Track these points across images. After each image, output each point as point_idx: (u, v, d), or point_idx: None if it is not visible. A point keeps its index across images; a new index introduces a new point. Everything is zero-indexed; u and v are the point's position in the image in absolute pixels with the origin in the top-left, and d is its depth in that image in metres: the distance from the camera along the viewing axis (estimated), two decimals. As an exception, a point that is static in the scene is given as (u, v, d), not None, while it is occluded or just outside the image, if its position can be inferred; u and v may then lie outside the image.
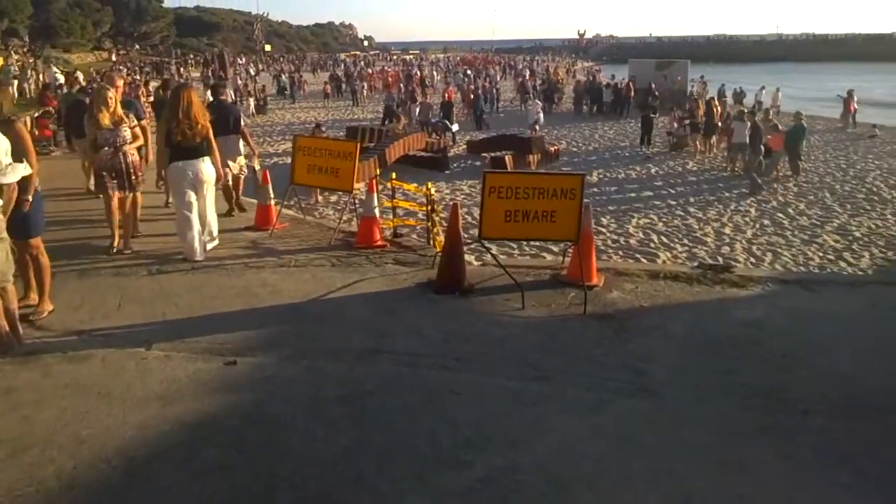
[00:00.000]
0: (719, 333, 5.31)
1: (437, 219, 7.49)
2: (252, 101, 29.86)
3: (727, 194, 14.09)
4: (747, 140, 16.17)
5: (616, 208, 12.60)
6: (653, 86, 28.54)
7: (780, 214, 12.36)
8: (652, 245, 10.06)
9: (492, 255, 5.85)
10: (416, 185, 9.29)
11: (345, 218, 8.70)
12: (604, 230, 10.90)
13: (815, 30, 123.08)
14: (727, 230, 11.17)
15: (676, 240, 10.48)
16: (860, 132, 24.72)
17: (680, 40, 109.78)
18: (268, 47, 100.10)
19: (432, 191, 7.54)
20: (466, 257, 6.89)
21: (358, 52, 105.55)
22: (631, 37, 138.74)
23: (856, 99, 26.32)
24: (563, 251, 6.91)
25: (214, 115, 7.54)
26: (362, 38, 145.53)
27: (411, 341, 4.68)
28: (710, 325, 5.47)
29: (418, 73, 46.00)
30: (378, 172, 15.16)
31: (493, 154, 17.42)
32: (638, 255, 9.34)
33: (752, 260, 9.44)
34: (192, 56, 75.00)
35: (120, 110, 6.64)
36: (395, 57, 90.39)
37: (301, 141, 8.15)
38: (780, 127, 16.29)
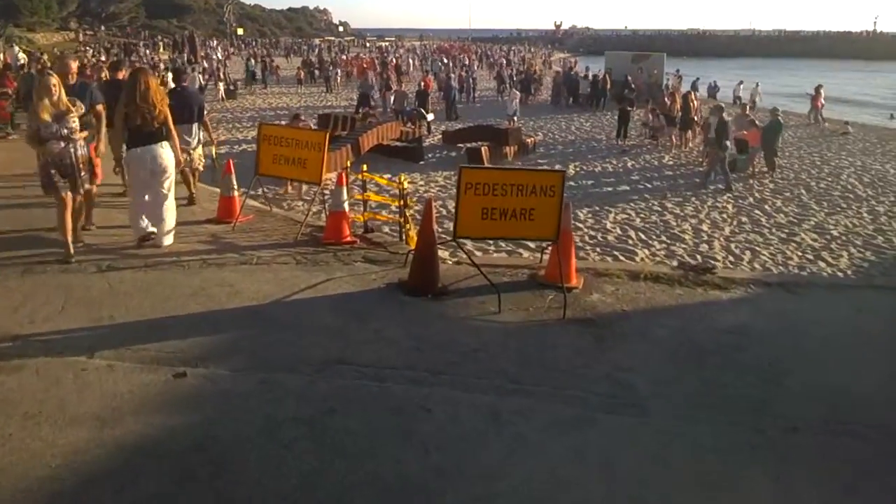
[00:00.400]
0: (704, 340, 5.08)
1: (409, 214, 7.14)
2: (222, 86, 29.08)
3: (704, 190, 13.95)
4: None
5: (593, 203, 12.36)
6: (629, 78, 28.45)
7: (758, 211, 12.24)
8: (630, 242, 9.84)
9: (467, 255, 5.52)
10: (388, 177, 8.89)
11: (313, 211, 8.30)
12: (581, 225, 10.65)
13: (787, 26, 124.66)
14: (705, 227, 11.01)
15: (654, 237, 10.27)
16: (833, 129, 24.92)
17: (654, 34, 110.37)
18: (240, 31, 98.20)
19: (405, 184, 7.18)
20: (440, 254, 6.57)
21: (332, 38, 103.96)
22: (606, 29, 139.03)
23: (823, 95, 26.49)
24: (541, 248, 6.63)
25: (176, 102, 7.10)
26: (337, 23, 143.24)
27: (379, 350, 4.34)
28: (695, 331, 5.24)
29: (394, 60, 45.39)
30: (351, 162, 14.72)
31: (469, 145, 17.06)
32: (616, 253, 9.11)
33: (731, 259, 9.26)
34: (160, 38, 72.97)
35: (65, 98, 6.00)
36: (369, 44, 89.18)
37: (266, 129, 7.73)
38: (757, 122, 16.20)
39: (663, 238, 10.22)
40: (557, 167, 13.96)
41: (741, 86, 29.71)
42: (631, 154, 18.05)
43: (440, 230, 8.75)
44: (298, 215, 8.30)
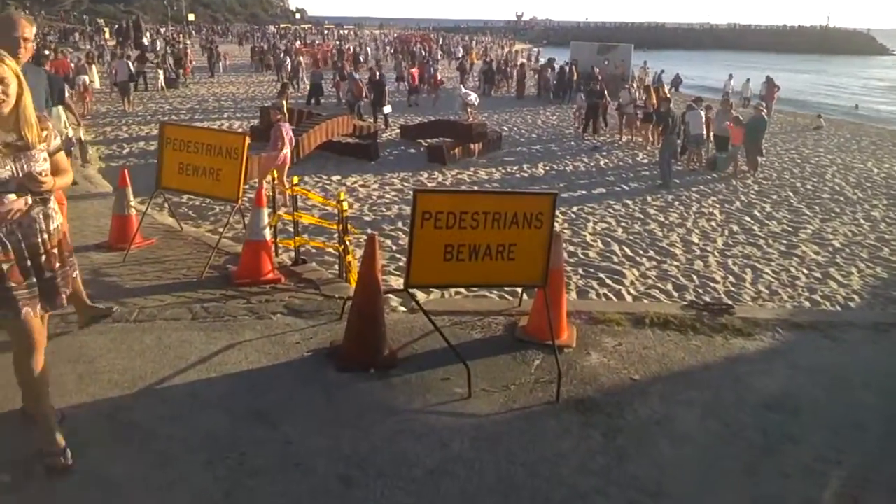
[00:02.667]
0: (745, 426, 3.74)
1: (351, 242, 5.62)
2: (161, 74, 26.85)
3: (686, 193, 12.76)
4: (704, 132, 14.95)
5: (568, 209, 11.01)
6: (596, 70, 27.28)
7: (748, 218, 11.06)
8: (615, 259, 8.49)
9: (424, 313, 4.03)
10: (322, 195, 7.36)
11: (228, 235, 6.70)
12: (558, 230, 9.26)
13: (741, 20, 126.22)
14: (695, 238, 9.75)
15: (641, 251, 8.96)
16: (805, 123, 24.21)
17: (616, 25, 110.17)
18: (191, 17, 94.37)
19: (345, 204, 5.64)
20: (391, 300, 5.08)
21: (289, 25, 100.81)
22: (568, 21, 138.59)
23: (778, 88, 25.80)
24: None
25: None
26: (294, 10, 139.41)
27: (286, 487, 2.84)
28: (729, 411, 3.89)
29: (350, 48, 43.47)
30: (290, 164, 13.09)
31: (430, 141, 15.54)
32: (602, 276, 7.75)
33: (732, 280, 8.00)
34: (103, 23, 69.05)
35: (30, 111, 2.73)
36: (327, 31, 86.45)
37: (170, 131, 6.08)
38: (740, 119, 15.09)
39: (651, 253, 8.91)
40: (545, 188, 12.58)
41: (732, 80, 28.39)
42: (603, 151, 16.79)
43: (393, 267, 7.27)
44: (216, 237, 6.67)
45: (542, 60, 37.04)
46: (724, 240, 9.74)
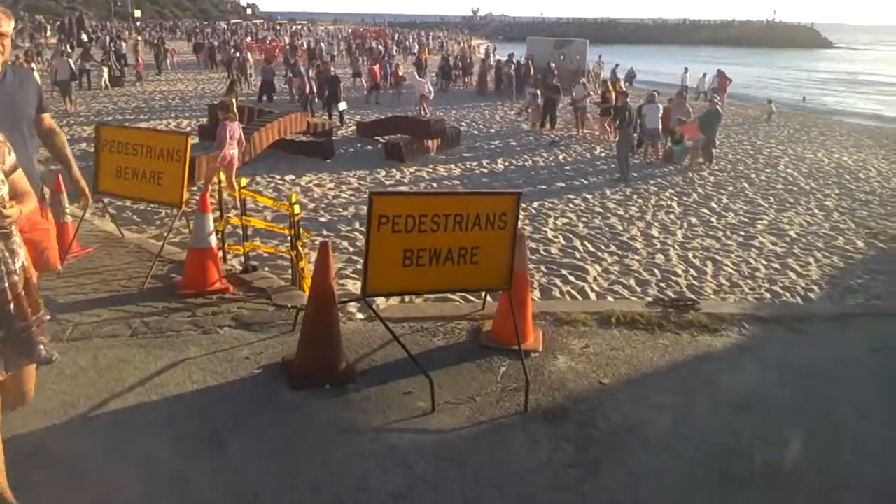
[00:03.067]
0: (718, 429, 3.63)
1: (303, 249, 5.33)
2: (106, 72, 25.79)
3: (644, 186, 12.78)
4: (659, 126, 15.03)
5: (528, 205, 10.87)
6: (552, 65, 27.32)
7: (705, 210, 11.13)
8: (577, 255, 8.38)
9: (383, 322, 3.79)
10: (275, 196, 7.05)
11: (174, 240, 6.34)
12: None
13: (691, 15, 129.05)
14: (655, 231, 9.73)
15: (602, 246, 8.88)
16: (756, 115, 24.70)
17: (570, 20, 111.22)
18: (137, 13, 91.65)
19: (297, 207, 5.35)
20: (349, 307, 4.82)
21: (240, 20, 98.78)
22: (524, 16, 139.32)
23: (730, 81, 26.27)
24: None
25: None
26: (245, 5, 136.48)
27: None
28: (701, 414, 3.78)
29: (304, 44, 42.66)
30: (240, 164, 12.65)
31: (387, 138, 15.23)
32: (564, 272, 7.62)
33: (693, 273, 7.98)
34: (43, 19, 66.32)
35: None
36: (279, 27, 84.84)
37: (106, 132, 5.71)
38: (692, 112, 15.22)
39: (612, 248, 8.83)
40: (505, 185, 12.40)
41: (687, 74, 28.67)
42: (561, 145, 16.76)
43: (350, 270, 6.99)
44: (155, 242, 6.29)
45: (501, 56, 36.99)
46: (683, 232, 9.75)
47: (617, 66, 33.89)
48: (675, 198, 11.92)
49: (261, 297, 4.78)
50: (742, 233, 9.88)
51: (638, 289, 7.28)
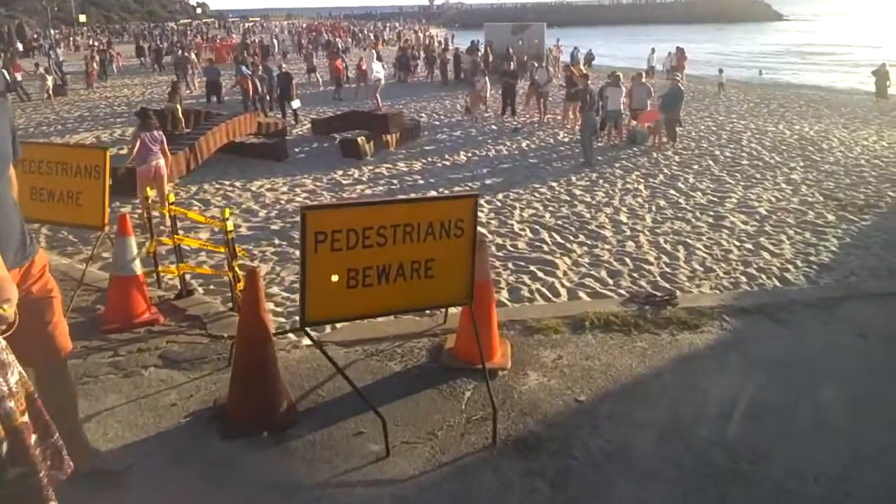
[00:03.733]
0: (708, 444, 3.27)
1: (242, 272, 4.82)
2: (50, 80, 24.60)
3: (609, 169, 12.48)
4: (621, 108, 14.75)
5: (493, 196, 10.48)
6: (511, 50, 26.93)
7: (673, 191, 10.85)
8: (545, 248, 8.00)
9: (325, 355, 3.32)
10: (205, 214, 6.52)
11: (95, 267, 5.76)
12: (484, 230, 8.71)
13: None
14: (623, 217, 9.41)
15: (571, 236, 8.52)
16: (715, 91, 24.65)
17: (525, 6, 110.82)
18: (82, 18, 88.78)
19: (230, 223, 4.82)
20: (291, 335, 4.34)
21: (189, 20, 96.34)
22: (481, 3, 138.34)
23: (686, 57, 26.19)
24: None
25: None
26: (194, 4, 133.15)
27: None
28: (689, 427, 3.42)
29: (256, 41, 41.54)
30: (192, 168, 12.02)
31: (343, 135, 14.66)
32: (533, 269, 7.22)
33: (666, 259, 7.65)
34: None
35: None
36: (231, 25, 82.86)
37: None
38: (653, 91, 14.95)
39: (581, 237, 8.48)
40: (468, 177, 11.93)
41: (654, 54, 28.51)
42: (523, 133, 16.38)
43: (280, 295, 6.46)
44: (94, 270, 5.71)
45: (460, 45, 36.47)
46: (652, 216, 9.44)
47: (576, 49, 33.61)
48: (642, 180, 11.63)
49: (196, 327, 4.28)
50: (711, 213, 9.62)
51: (610, 280, 6.92)
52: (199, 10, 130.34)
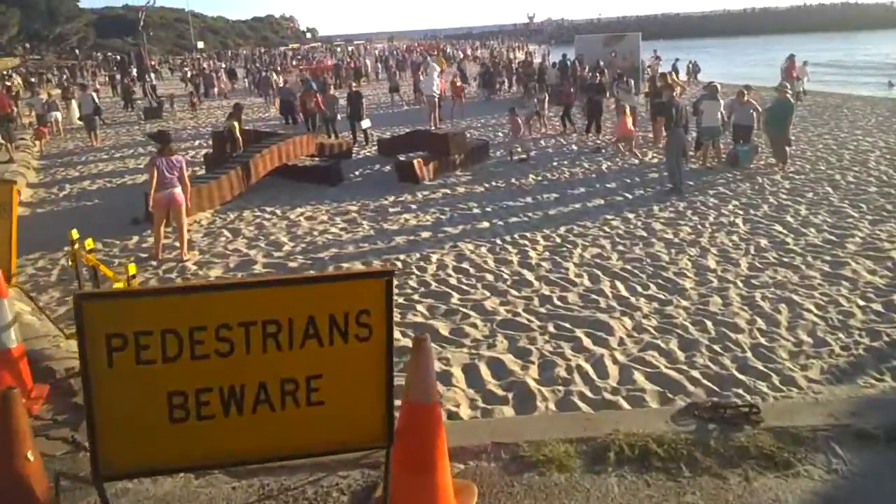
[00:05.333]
0: None
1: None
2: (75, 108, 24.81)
3: (701, 198, 10.59)
4: (720, 124, 12.74)
5: (554, 231, 8.96)
6: (601, 63, 25.13)
7: (779, 227, 8.86)
8: (602, 304, 6.42)
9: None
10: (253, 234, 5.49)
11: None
12: (530, 276, 7.24)
13: (757, 4, 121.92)
14: (711, 261, 7.62)
15: (639, 287, 6.87)
16: (837, 103, 21.70)
17: (627, 19, 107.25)
18: (200, 45, 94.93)
19: (136, 281, 3.68)
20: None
21: (297, 45, 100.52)
22: (581, 19, 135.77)
23: (798, 65, 22.90)
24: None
25: None
26: (304, 30, 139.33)
27: None
28: None
29: (348, 61, 41.91)
30: (238, 192, 11.32)
31: (401, 157, 13.61)
32: (579, 332, 5.69)
33: (761, 324, 5.87)
34: (110, 56, 68.93)
35: None
36: (339, 48, 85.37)
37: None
38: (758, 108, 12.84)
39: (652, 289, 6.81)
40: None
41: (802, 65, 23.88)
42: (605, 153, 14.66)
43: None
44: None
45: (555, 60, 34.89)
46: (749, 261, 7.59)
47: (677, 60, 31.15)
48: (741, 212, 9.69)
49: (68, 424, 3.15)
50: (828, 257, 7.63)
51: (681, 355, 5.28)
52: (308, 35, 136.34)
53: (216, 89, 34.88)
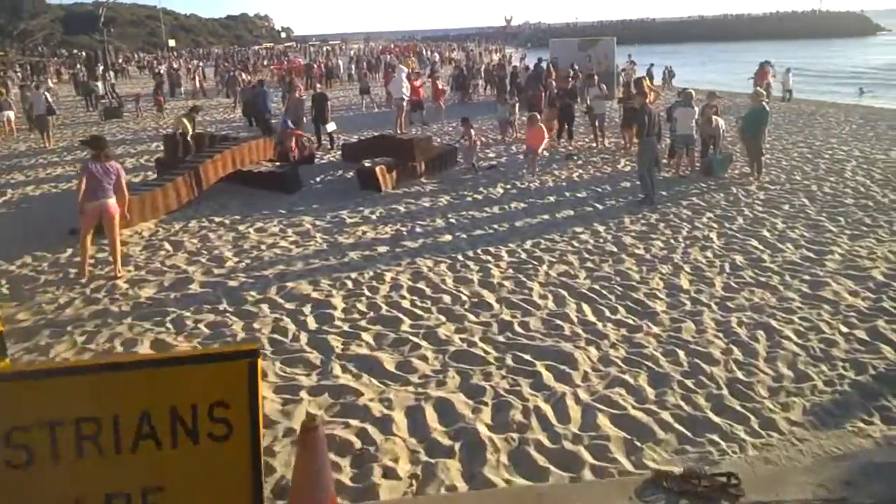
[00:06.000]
0: None
1: None
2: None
3: (674, 209, 10.15)
4: (694, 132, 12.34)
5: (519, 245, 8.43)
6: (576, 67, 24.76)
7: (754, 242, 8.43)
8: (567, 331, 5.88)
9: None
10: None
11: None
12: (489, 297, 6.69)
13: (732, 10, 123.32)
14: (684, 281, 7.14)
15: (607, 311, 6.35)
16: (812, 110, 21.58)
17: (604, 24, 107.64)
18: (172, 42, 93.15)
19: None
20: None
21: (271, 45, 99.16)
22: (559, 22, 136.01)
23: (771, 72, 22.72)
24: None
25: None
26: (279, 29, 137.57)
27: None
28: None
29: (320, 62, 41.05)
30: (186, 200, 10.61)
31: (366, 163, 12.98)
32: (540, 366, 5.14)
33: (738, 353, 5.38)
34: (76, 54, 67.12)
35: None
36: (314, 49, 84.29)
37: None
38: (717, 112, 12.47)
39: (621, 312, 6.30)
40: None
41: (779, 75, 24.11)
42: (578, 160, 14.20)
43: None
44: None
45: (530, 63, 34.49)
46: (724, 280, 7.13)
47: (652, 65, 30.95)
48: (715, 225, 9.26)
49: None
50: (807, 276, 7.19)
51: (650, 393, 4.76)
52: (283, 35, 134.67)
53: (182, 89, 33.89)
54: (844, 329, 5.86)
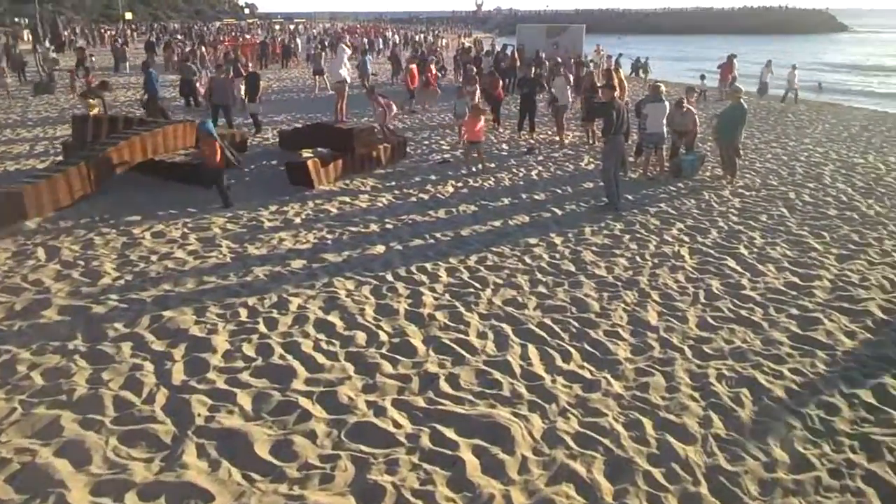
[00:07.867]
0: None
1: None
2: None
3: (641, 217, 9.01)
4: (664, 130, 11.18)
5: (462, 261, 7.17)
6: (542, 54, 23.54)
7: (731, 263, 7.32)
8: (506, 387, 4.64)
9: None
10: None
11: None
12: (414, 336, 5.42)
13: (702, 3, 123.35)
14: (652, 314, 5.96)
15: (559, 357, 5.14)
16: (782, 106, 20.75)
17: (575, 13, 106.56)
18: (128, 15, 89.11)
19: None
20: None
21: (233, 20, 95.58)
22: (530, 10, 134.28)
23: (736, 66, 21.78)
24: None
25: None
26: (243, 5, 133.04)
27: None
28: None
29: (276, 40, 38.96)
30: (80, 195, 9.06)
31: (305, 155, 11.52)
32: (463, 448, 3.89)
33: (719, 422, 4.23)
34: (22, 24, 63.16)
35: None
36: (278, 27, 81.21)
37: None
38: (693, 112, 11.38)
39: (575, 359, 5.10)
40: (439, 219, 8.19)
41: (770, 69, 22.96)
42: (539, 155, 12.98)
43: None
44: None
45: (494, 48, 33.07)
46: (698, 314, 5.98)
47: (620, 55, 29.84)
48: (687, 239, 8.14)
49: None
50: (794, 310, 6.09)
51: (607, 492, 3.55)
52: (246, 11, 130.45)
53: (128, 64, 31.60)
54: (846, 388, 4.75)
